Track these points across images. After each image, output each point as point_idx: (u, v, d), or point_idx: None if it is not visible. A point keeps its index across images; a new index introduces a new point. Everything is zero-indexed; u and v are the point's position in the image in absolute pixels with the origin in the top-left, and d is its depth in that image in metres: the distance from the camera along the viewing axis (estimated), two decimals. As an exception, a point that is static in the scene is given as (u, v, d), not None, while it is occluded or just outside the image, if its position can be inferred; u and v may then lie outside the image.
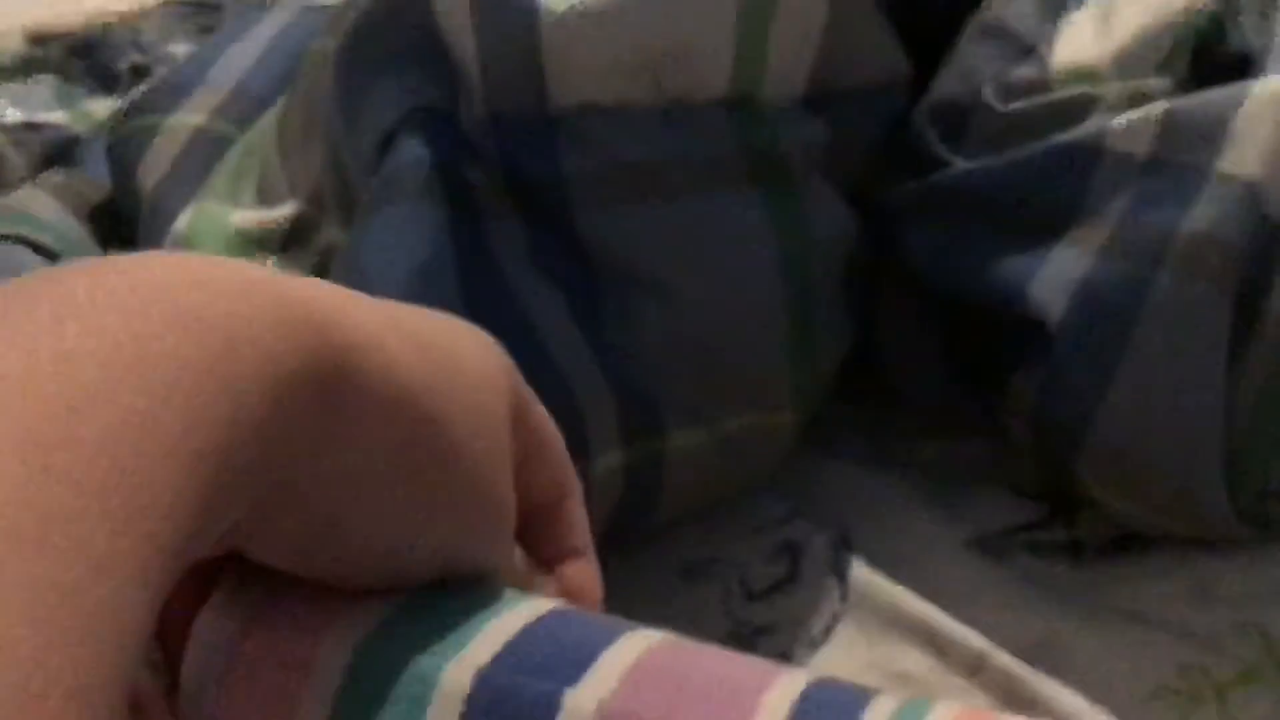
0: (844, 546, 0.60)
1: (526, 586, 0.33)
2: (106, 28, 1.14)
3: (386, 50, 0.56)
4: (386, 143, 0.55)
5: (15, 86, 1.06)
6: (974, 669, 0.55)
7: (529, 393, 0.33)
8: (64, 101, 1.06)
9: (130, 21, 1.14)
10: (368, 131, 0.55)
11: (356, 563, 0.27)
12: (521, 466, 0.32)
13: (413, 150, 0.54)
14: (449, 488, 0.28)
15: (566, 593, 0.35)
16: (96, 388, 0.19)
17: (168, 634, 0.28)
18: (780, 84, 0.59)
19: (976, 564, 0.60)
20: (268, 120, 0.68)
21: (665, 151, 0.57)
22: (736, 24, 0.56)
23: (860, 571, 0.59)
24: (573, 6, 0.54)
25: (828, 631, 0.57)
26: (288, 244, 0.62)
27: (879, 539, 0.60)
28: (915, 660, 0.55)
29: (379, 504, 0.26)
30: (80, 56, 1.12)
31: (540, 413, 0.33)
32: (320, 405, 0.24)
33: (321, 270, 0.59)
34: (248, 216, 0.63)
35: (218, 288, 0.22)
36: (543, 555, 0.35)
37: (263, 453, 0.22)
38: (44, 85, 1.08)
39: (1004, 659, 0.54)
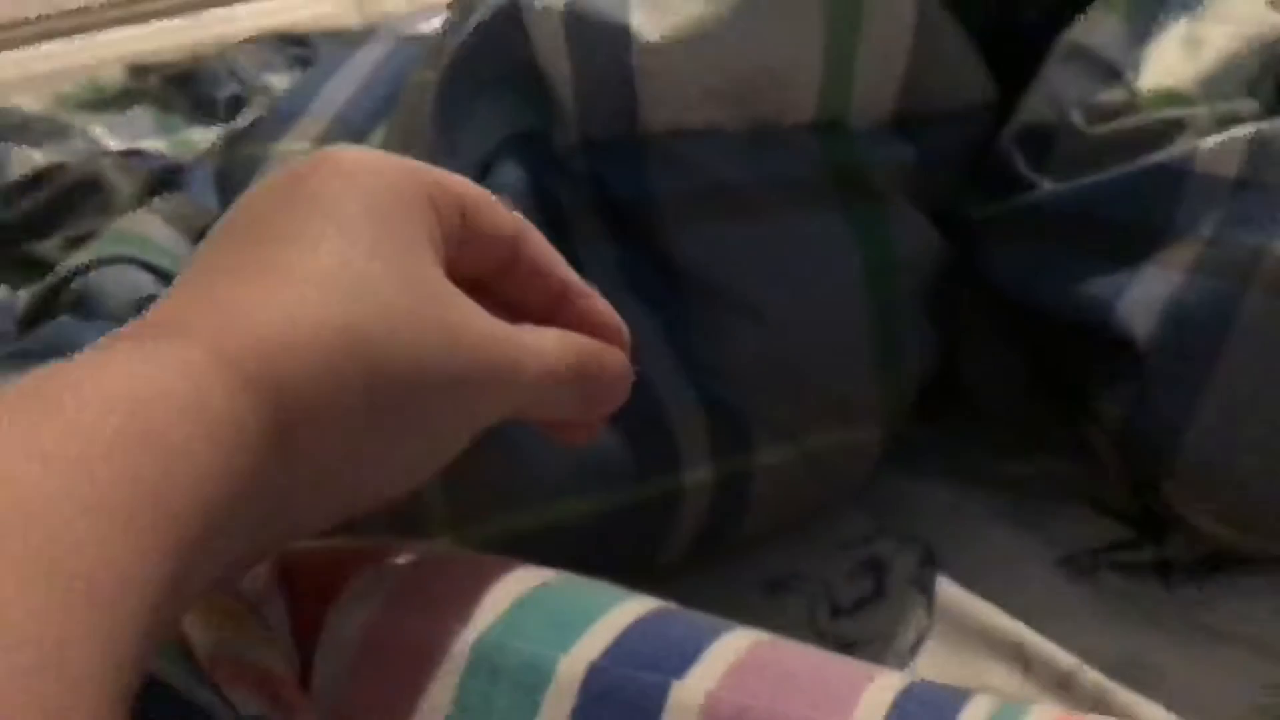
0: (929, 563, 0.61)
1: (533, 356, 0.36)
2: (203, 59, 1.18)
3: (484, 78, 0.58)
4: (486, 167, 0.57)
5: (114, 116, 1.09)
6: (1063, 684, 0.55)
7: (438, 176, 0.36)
8: (163, 130, 1.10)
9: (227, 53, 1.18)
10: (467, 157, 0.57)
11: (376, 494, 0.31)
12: (461, 246, 0.36)
13: (511, 174, 0.56)
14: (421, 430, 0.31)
15: (587, 328, 0.40)
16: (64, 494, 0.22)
17: (302, 629, 0.30)
18: (867, 107, 0.60)
19: (1063, 582, 0.60)
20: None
21: (753, 172, 0.58)
22: (824, 49, 0.57)
23: (946, 588, 0.59)
24: (665, 33, 0.56)
25: (915, 648, 0.58)
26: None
27: (964, 556, 0.61)
28: (1003, 676, 0.56)
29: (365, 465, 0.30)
30: (178, 87, 1.16)
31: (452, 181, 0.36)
32: (275, 456, 0.27)
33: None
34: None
35: (155, 389, 0.25)
36: (537, 308, 0.39)
37: (227, 519, 0.25)
38: (143, 114, 1.12)
39: (1093, 675, 0.55)
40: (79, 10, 1.54)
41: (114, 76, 1.24)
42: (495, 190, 0.56)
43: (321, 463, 0.28)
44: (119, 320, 0.65)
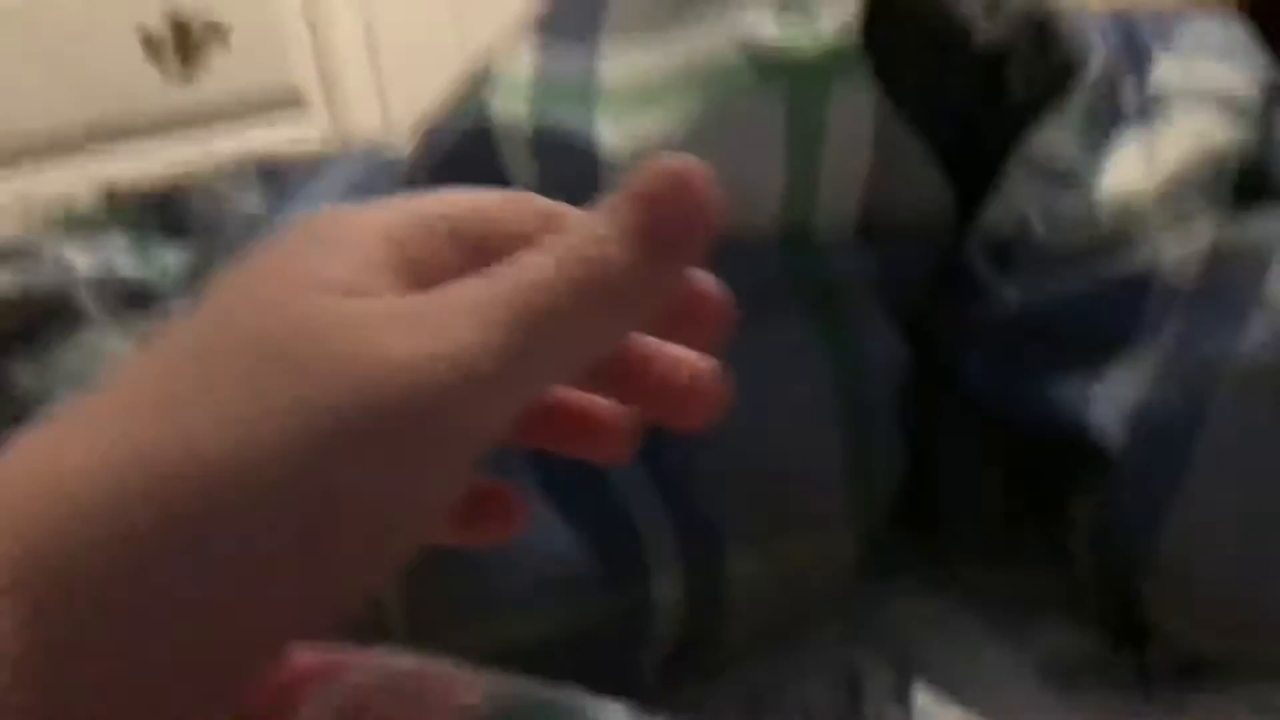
0: (906, 674, 0.60)
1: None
2: (179, 183, 1.19)
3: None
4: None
5: (87, 239, 1.10)
6: (1045, 799, 0.54)
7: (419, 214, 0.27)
8: (137, 254, 1.10)
9: (202, 177, 1.19)
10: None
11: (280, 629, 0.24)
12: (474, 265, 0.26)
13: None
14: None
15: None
16: None
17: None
18: (830, 219, 0.60)
19: (1044, 692, 0.59)
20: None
21: (719, 278, 0.59)
22: (786, 162, 0.58)
23: (924, 699, 0.58)
24: (631, 148, 0.57)
25: (895, 762, 0.57)
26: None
27: (942, 666, 0.60)
28: (985, 790, 0.55)
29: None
30: (153, 210, 1.16)
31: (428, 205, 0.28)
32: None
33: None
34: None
35: None
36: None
37: None
38: (117, 237, 1.12)
39: (1076, 789, 0.53)
40: (51, 140, 1.56)
41: (88, 201, 1.25)
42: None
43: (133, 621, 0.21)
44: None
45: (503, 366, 0.24)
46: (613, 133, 0.57)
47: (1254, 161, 0.64)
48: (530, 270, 0.26)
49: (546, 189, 0.57)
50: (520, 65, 0.59)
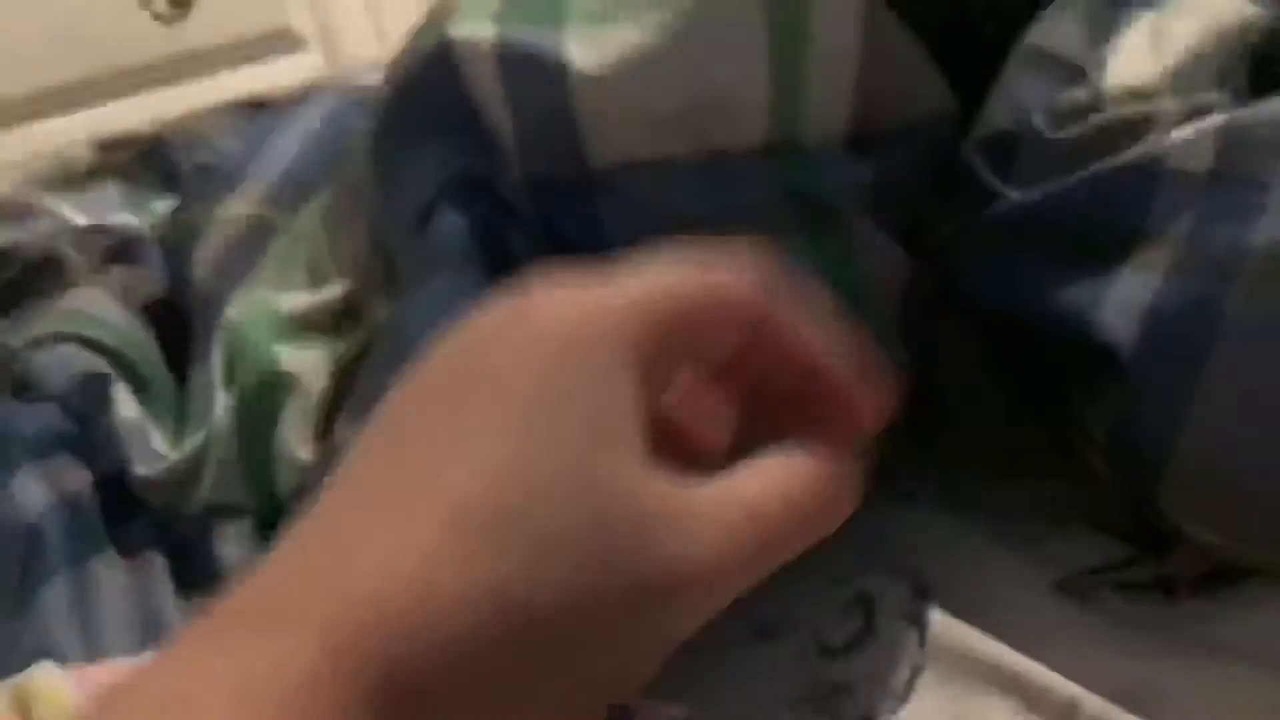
0: (921, 595, 0.58)
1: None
2: (171, 131, 1.17)
3: (420, 122, 0.56)
4: (425, 215, 0.55)
5: (81, 193, 1.08)
6: (1066, 717, 0.52)
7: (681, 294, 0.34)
8: (131, 205, 1.08)
9: (194, 123, 1.17)
10: (406, 205, 0.55)
11: None
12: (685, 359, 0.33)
13: (451, 221, 0.54)
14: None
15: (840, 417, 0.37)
16: None
17: None
18: (820, 126, 0.58)
19: (1063, 607, 0.57)
20: (315, 205, 0.68)
21: (708, 205, 0.56)
22: (769, 68, 0.55)
23: (940, 620, 0.57)
24: (603, 65, 0.54)
25: (909, 685, 0.55)
26: (338, 326, 0.62)
27: (958, 586, 0.58)
28: (1003, 711, 0.53)
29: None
30: (146, 160, 1.14)
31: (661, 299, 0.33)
32: None
33: (370, 348, 0.59)
34: (298, 300, 0.63)
35: (267, 690, 0.25)
36: (786, 393, 0.36)
37: None
38: (111, 190, 1.10)
39: (1097, 705, 0.51)
40: (47, 93, 1.54)
41: (82, 154, 1.23)
42: (438, 238, 0.55)
43: None
44: (59, 401, 0.64)
45: (740, 575, 0.32)
46: (582, 48, 0.54)
47: (1271, 40, 0.61)
48: (773, 503, 0.33)
49: (516, 110, 0.55)
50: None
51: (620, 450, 0.29)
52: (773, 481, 0.32)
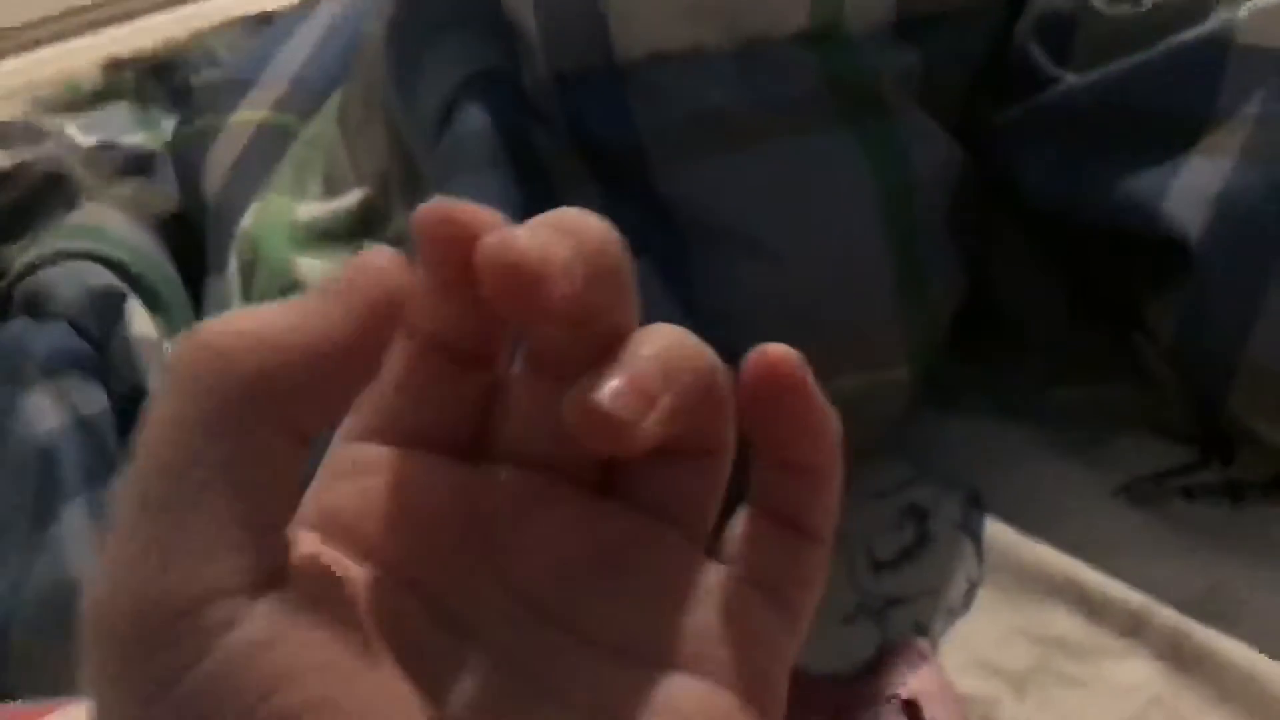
0: (975, 505, 0.55)
1: None
2: (179, 48, 1.14)
3: (439, 16, 0.52)
4: (447, 113, 0.52)
5: (89, 115, 1.05)
6: (1133, 628, 0.49)
7: None
8: (141, 124, 1.05)
9: (201, 40, 1.14)
10: (426, 103, 0.52)
11: None
12: None
13: (474, 118, 0.51)
14: None
15: None
16: None
17: None
18: (864, 11, 0.54)
19: (1126, 514, 0.54)
20: (329, 110, 0.65)
21: (745, 96, 0.53)
22: (810, -54, 0.52)
23: (996, 530, 0.54)
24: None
25: (967, 598, 0.53)
26: (357, 234, 0.59)
27: (1014, 495, 0.55)
28: (1067, 622, 0.50)
29: None
30: (155, 79, 1.12)
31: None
32: None
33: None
34: (314, 208, 0.60)
35: None
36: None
37: None
38: (120, 110, 1.08)
39: (1166, 614, 0.49)
40: (54, 18, 1.51)
41: (90, 76, 1.20)
42: (461, 136, 0.51)
43: None
44: (71, 319, 0.61)
45: None
46: None
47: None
48: None
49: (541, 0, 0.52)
50: None
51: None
52: None
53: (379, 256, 0.21)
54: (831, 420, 0.24)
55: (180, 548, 0.19)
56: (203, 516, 0.19)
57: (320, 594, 0.20)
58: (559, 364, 0.23)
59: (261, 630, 0.19)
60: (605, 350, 0.22)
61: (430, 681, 0.21)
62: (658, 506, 0.23)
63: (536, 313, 0.21)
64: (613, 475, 0.24)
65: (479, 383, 0.24)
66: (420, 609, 0.22)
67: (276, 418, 0.20)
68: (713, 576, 0.23)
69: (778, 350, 0.24)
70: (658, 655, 0.22)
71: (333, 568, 0.21)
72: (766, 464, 0.24)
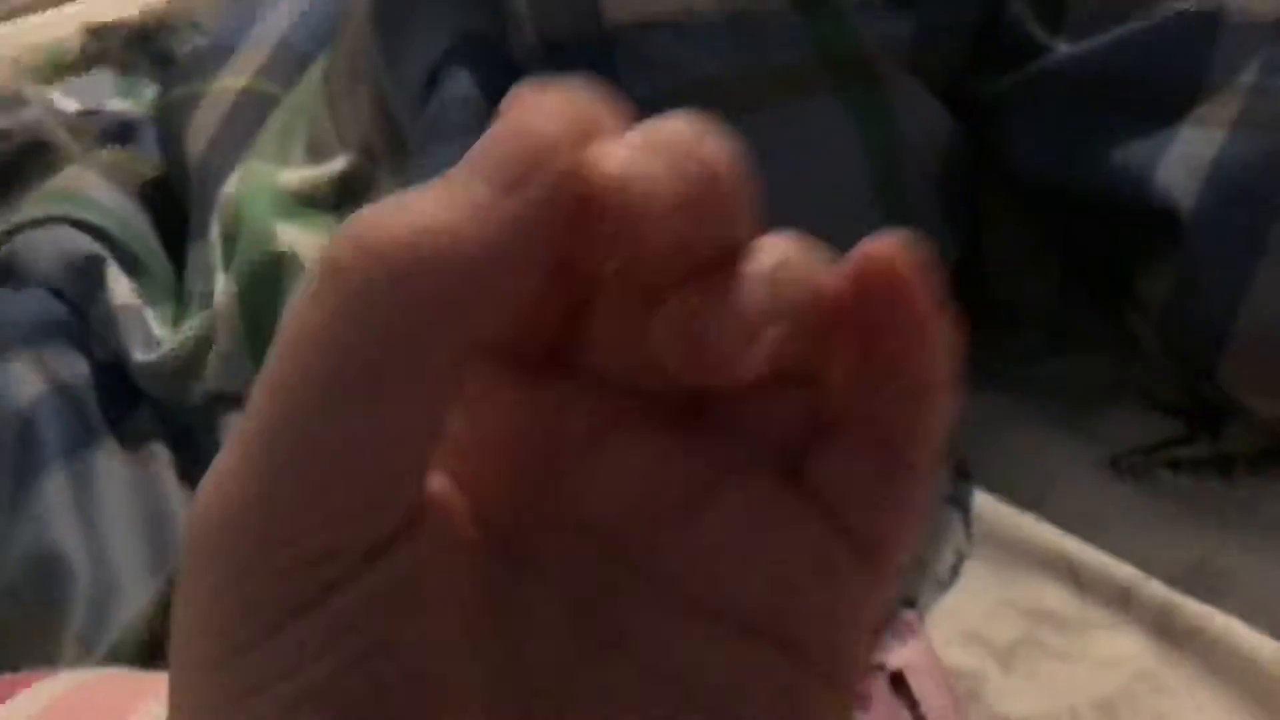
0: (963, 477, 0.55)
1: None
2: (163, 16, 1.13)
3: (424, -21, 0.52)
4: (433, 78, 0.51)
5: (74, 81, 1.04)
6: (1122, 601, 0.49)
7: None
8: (124, 91, 1.04)
9: (185, 7, 1.13)
10: (412, 68, 0.51)
11: None
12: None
13: (460, 83, 0.50)
14: None
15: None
16: None
17: None
18: (856, -24, 0.53)
19: (1114, 486, 0.54)
20: (313, 76, 0.64)
21: (735, 64, 0.52)
22: (801, -88, 0.51)
23: (984, 503, 0.54)
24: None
25: (955, 570, 0.52)
26: (341, 201, 0.59)
27: (1002, 467, 0.55)
28: (1056, 595, 0.50)
29: None
30: (138, 45, 1.11)
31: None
32: None
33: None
34: (297, 175, 0.59)
35: None
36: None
37: None
38: (103, 77, 1.07)
39: (1155, 588, 0.49)
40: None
41: (73, 43, 1.19)
42: (447, 101, 0.51)
43: None
44: (51, 286, 0.60)
45: None
46: None
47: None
48: None
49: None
50: None
51: None
52: None
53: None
54: (947, 331, 0.20)
55: (321, 484, 0.17)
56: (350, 447, 0.17)
57: (444, 542, 0.19)
58: (655, 277, 0.19)
59: (382, 587, 0.17)
60: (708, 265, 0.19)
61: (499, 627, 0.19)
62: (749, 436, 0.21)
63: (636, 247, 0.18)
64: (700, 399, 0.21)
65: (561, 289, 0.20)
66: (491, 543, 0.20)
67: (450, 329, 0.17)
68: (801, 528, 0.20)
69: (887, 247, 0.21)
70: (731, 614, 0.20)
71: (451, 507, 0.20)
72: (868, 383, 0.20)
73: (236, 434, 0.18)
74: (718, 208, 0.19)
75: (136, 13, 1.24)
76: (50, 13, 1.55)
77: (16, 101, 1.00)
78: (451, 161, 0.50)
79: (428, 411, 0.18)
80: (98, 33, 1.18)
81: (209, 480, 0.18)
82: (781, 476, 0.20)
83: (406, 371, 0.17)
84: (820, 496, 0.20)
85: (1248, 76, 0.50)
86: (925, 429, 0.20)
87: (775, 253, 0.20)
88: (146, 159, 0.71)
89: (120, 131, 0.81)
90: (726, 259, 0.19)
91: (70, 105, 1.01)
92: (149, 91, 1.04)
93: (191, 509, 0.18)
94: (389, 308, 0.17)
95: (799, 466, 0.21)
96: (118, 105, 1.00)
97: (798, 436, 0.21)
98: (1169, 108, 0.51)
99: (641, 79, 0.52)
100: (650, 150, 0.18)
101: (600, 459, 0.20)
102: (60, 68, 1.14)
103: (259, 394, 0.18)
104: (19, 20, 1.55)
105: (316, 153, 0.60)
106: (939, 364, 0.20)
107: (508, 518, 0.20)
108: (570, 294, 0.20)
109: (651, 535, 0.20)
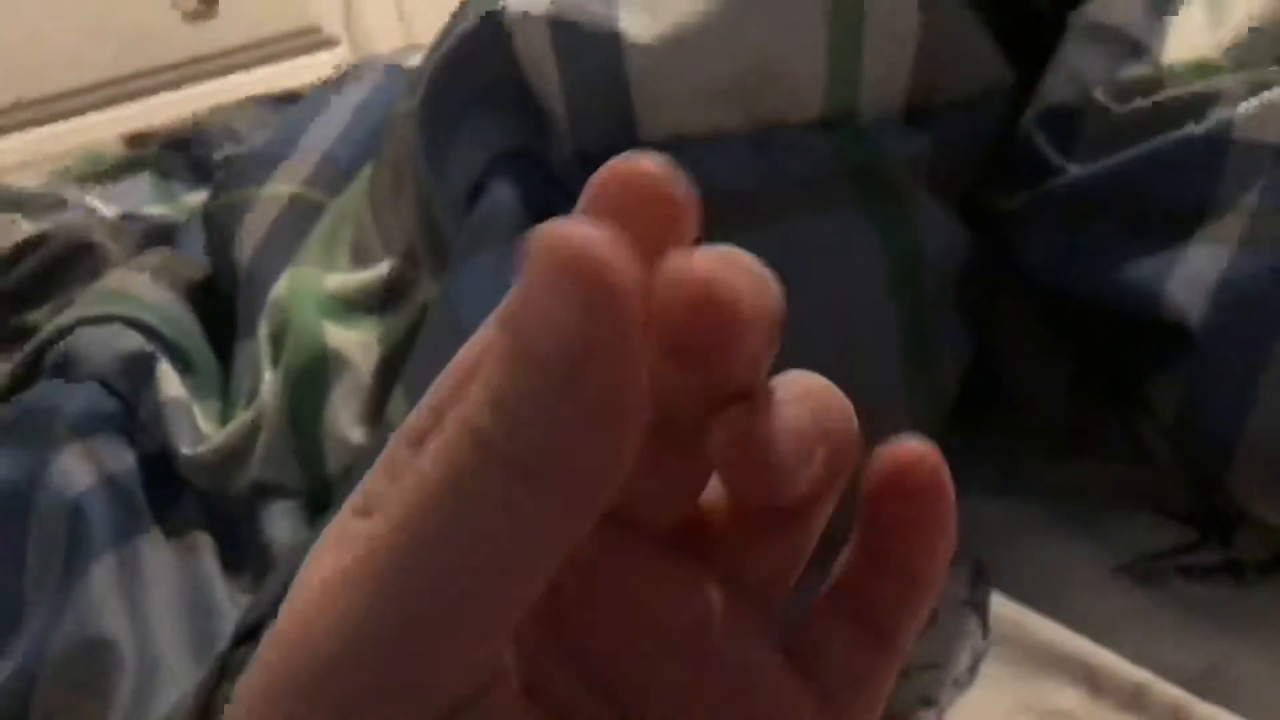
0: (981, 580, 0.57)
1: None
2: (201, 124, 1.16)
3: (469, 95, 0.55)
4: (476, 190, 0.54)
5: (111, 186, 1.08)
6: (1134, 703, 0.50)
7: None
8: (162, 196, 1.08)
9: (223, 116, 1.16)
10: (456, 179, 0.54)
11: None
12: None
13: (502, 194, 0.53)
14: None
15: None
16: None
17: None
18: (877, 99, 0.56)
19: (1127, 591, 0.55)
20: (357, 185, 0.67)
21: (761, 176, 0.55)
22: (828, 40, 0.54)
23: (1001, 605, 0.55)
24: (658, 35, 0.53)
25: (972, 671, 0.53)
26: (385, 305, 0.61)
27: (1018, 570, 0.56)
28: (1069, 696, 0.51)
29: None
30: (176, 152, 1.14)
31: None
32: None
33: (418, 326, 0.58)
34: (343, 279, 0.62)
35: None
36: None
37: None
38: (141, 182, 1.10)
39: (1166, 689, 0.50)
40: (78, 91, 1.54)
41: (112, 148, 1.23)
42: (489, 212, 0.53)
43: None
44: (102, 380, 0.63)
45: None
46: (636, 17, 0.53)
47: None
48: None
49: (568, 82, 0.54)
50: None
51: None
52: None
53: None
54: (954, 531, 0.21)
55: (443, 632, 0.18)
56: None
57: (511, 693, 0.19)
58: (669, 405, 0.19)
59: None
60: (729, 400, 0.19)
61: None
62: (739, 575, 0.21)
63: (721, 360, 0.18)
64: (691, 533, 0.21)
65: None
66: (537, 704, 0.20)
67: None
68: (779, 685, 0.21)
69: (917, 449, 0.21)
70: None
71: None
72: (867, 563, 0.21)
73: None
74: (770, 328, 0.19)
75: (175, 119, 1.28)
76: (90, 117, 1.60)
77: (58, 204, 1.04)
78: (490, 269, 0.53)
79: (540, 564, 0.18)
80: (136, 139, 1.22)
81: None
82: (763, 622, 0.21)
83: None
84: (801, 658, 0.21)
85: (1253, 197, 0.52)
86: (915, 618, 0.22)
87: (813, 385, 0.21)
88: (192, 261, 0.74)
89: (160, 236, 0.84)
90: (745, 392, 0.19)
91: (109, 209, 1.04)
92: (185, 197, 1.07)
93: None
94: None
95: (782, 607, 0.22)
96: (155, 210, 1.03)
97: (784, 577, 0.22)
98: (1178, 226, 0.54)
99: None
100: (729, 263, 0.18)
101: (596, 596, 0.21)
102: (99, 171, 1.17)
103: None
104: (59, 124, 1.60)
105: (361, 258, 0.63)
106: (939, 564, 0.21)
107: (520, 658, 0.20)
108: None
109: (641, 683, 0.21)
